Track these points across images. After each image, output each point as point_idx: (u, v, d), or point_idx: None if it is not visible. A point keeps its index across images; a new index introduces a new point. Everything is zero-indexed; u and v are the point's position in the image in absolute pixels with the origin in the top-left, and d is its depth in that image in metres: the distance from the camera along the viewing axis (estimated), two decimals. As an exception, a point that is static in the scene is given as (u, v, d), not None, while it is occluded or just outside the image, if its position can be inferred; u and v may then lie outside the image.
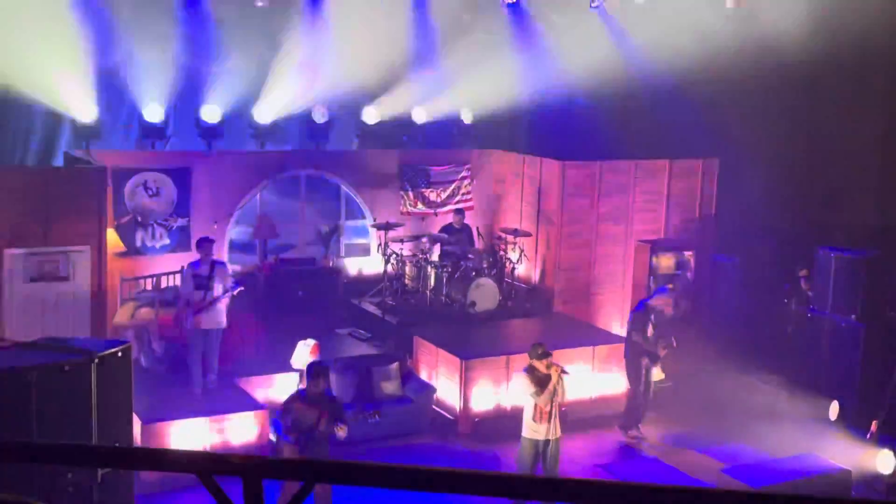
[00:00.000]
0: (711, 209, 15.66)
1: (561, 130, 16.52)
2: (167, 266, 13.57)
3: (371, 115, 16.44)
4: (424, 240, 15.20)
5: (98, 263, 11.88)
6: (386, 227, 14.95)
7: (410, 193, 16.02)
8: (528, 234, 15.09)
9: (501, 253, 15.09)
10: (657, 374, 13.12)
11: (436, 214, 16.13)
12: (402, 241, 15.15)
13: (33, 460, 2.86)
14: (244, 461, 2.49)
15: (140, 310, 12.43)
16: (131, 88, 14.47)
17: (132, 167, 13.78)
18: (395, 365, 12.48)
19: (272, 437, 10.68)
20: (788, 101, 15.89)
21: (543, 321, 14.46)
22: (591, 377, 12.96)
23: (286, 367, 11.63)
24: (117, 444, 7.79)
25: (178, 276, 12.89)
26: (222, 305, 11.38)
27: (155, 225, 13.88)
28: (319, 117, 15.88)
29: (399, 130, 16.75)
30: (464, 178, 16.41)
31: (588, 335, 13.80)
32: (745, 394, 12.88)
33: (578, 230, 14.87)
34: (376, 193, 15.85)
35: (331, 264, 15.34)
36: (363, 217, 15.89)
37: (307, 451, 8.77)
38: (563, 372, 9.69)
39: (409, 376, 12.60)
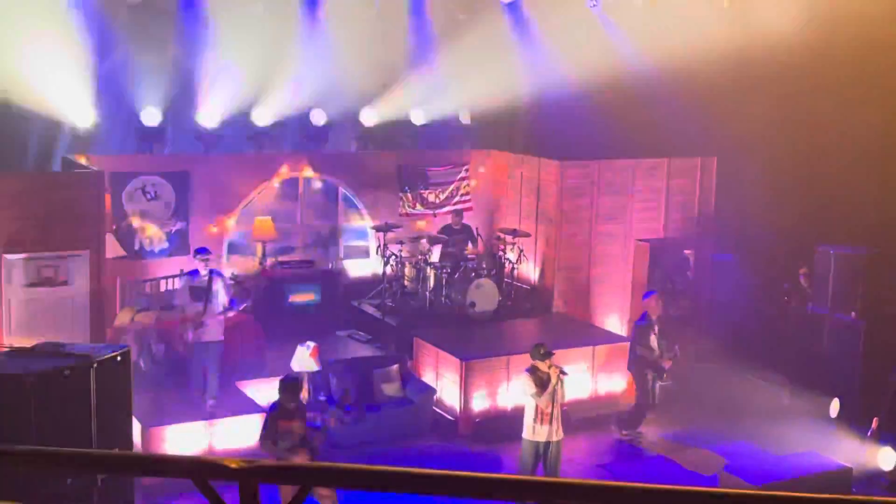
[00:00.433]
0: (710, 207, 15.65)
1: (559, 130, 16.50)
2: (166, 270, 13.57)
3: (369, 117, 16.44)
4: (424, 241, 15.19)
5: (97, 268, 11.86)
6: (385, 228, 14.94)
7: (409, 195, 16.01)
8: (527, 235, 15.09)
9: (500, 253, 15.09)
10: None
11: (434, 215, 16.13)
12: (401, 242, 15.15)
13: (25, 466, 2.85)
14: (239, 466, 2.48)
15: (139, 314, 12.42)
16: (129, 93, 14.46)
17: (130, 171, 13.78)
18: (395, 366, 12.48)
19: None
20: (786, 98, 15.88)
21: (543, 321, 14.46)
22: (591, 377, 12.96)
23: (286, 369, 11.62)
24: (116, 449, 7.79)
25: (177, 280, 12.88)
26: (222, 317, 11.28)
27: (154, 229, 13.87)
28: (317, 120, 15.88)
29: (397, 132, 16.75)
30: (462, 178, 16.41)
31: (588, 335, 13.80)
32: (745, 392, 12.86)
33: (577, 230, 14.86)
34: (375, 195, 15.84)
35: (330, 266, 15.33)
36: (362, 219, 15.88)
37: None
38: (562, 373, 9.68)
39: (409, 378, 12.60)
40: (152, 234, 13.83)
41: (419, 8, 16.35)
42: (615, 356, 13.15)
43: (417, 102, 16.53)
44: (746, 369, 13.28)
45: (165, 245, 13.97)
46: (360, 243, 15.99)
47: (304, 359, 11.46)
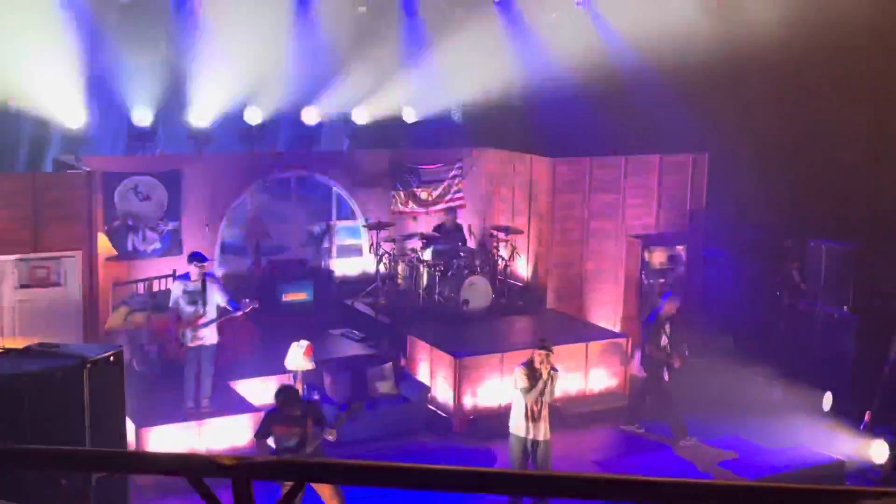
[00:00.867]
0: (702, 203, 15.69)
1: (551, 127, 16.52)
2: (159, 270, 13.54)
3: (361, 115, 16.44)
4: (416, 239, 15.20)
5: (89, 268, 11.85)
6: (378, 226, 14.94)
7: (402, 193, 16.01)
8: (519, 232, 15.10)
9: (493, 251, 15.10)
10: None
11: (427, 213, 16.13)
12: (394, 240, 15.15)
13: (18, 466, 2.85)
14: (232, 462, 2.48)
15: (132, 314, 12.40)
16: (120, 93, 14.44)
17: (122, 172, 13.75)
18: (388, 365, 12.48)
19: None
20: (776, 93, 15.93)
21: (536, 318, 14.48)
22: (585, 373, 12.97)
23: (280, 369, 11.61)
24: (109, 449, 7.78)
25: (170, 281, 12.86)
26: (216, 321, 11.09)
27: (146, 229, 13.84)
28: (309, 118, 15.88)
29: (389, 130, 16.75)
30: (455, 176, 16.41)
31: (581, 331, 13.81)
32: (738, 386, 12.89)
33: (570, 227, 14.89)
34: (368, 193, 15.84)
35: (323, 265, 15.33)
36: (355, 217, 15.88)
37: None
38: (553, 369, 9.66)
39: (403, 376, 12.61)
40: (145, 234, 13.78)
41: (411, 6, 16.35)
42: (608, 352, 13.17)
43: (409, 100, 16.54)
44: (739, 364, 13.31)
45: (158, 245, 13.94)
46: (353, 242, 15.99)
47: (297, 358, 11.43)
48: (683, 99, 15.69)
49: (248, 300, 11.16)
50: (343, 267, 15.70)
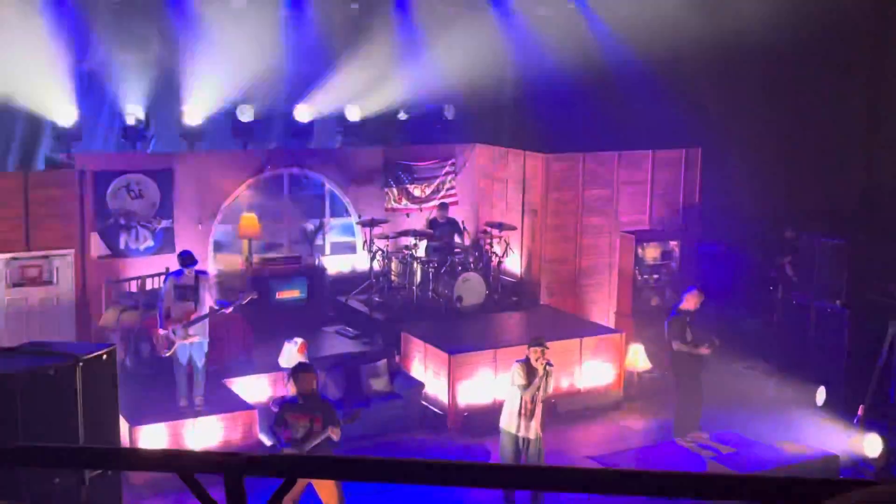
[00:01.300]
0: (695, 198, 15.70)
1: (544, 123, 16.52)
2: (152, 268, 13.50)
3: (354, 112, 16.40)
4: (410, 236, 15.18)
5: (81, 267, 11.82)
6: (371, 223, 14.93)
7: (395, 190, 16.00)
8: (513, 228, 15.10)
9: (487, 247, 15.10)
10: (645, 362, 13.12)
11: (420, 210, 16.12)
12: (387, 237, 15.14)
13: (12, 462, 2.85)
14: (224, 459, 2.48)
15: (125, 312, 12.37)
16: (112, 91, 14.39)
17: (114, 170, 13.71)
18: (383, 362, 12.48)
19: (268, 442, 10.62)
20: (769, 88, 15.95)
21: (530, 314, 14.48)
22: (579, 369, 12.98)
23: (273, 366, 11.59)
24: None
25: (163, 279, 12.82)
26: (208, 317, 11.02)
27: (138, 227, 13.80)
28: (302, 115, 15.83)
29: (382, 127, 16.71)
30: (448, 173, 16.40)
31: (575, 327, 13.82)
32: (731, 381, 12.91)
33: (563, 222, 14.89)
34: (361, 190, 15.82)
35: (316, 262, 15.31)
36: (348, 214, 15.86)
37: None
38: (549, 364, 9.66)
39: (397, 373, 12.61)
40: (137, 232, 13.74)
41: (403, 2, 16.33)
42: (602, 348, 13.19)
43: (402, 97, 16.50)
44: (733, 358, 13.32)
45: (151, 243, 13.91)
46: (347, 239, 15.98)
47: (291, 355, 11.43)
48: (677, 94, 15.70)
49: (244, 293, 11.16)
50: (336, 264, 15.67)
